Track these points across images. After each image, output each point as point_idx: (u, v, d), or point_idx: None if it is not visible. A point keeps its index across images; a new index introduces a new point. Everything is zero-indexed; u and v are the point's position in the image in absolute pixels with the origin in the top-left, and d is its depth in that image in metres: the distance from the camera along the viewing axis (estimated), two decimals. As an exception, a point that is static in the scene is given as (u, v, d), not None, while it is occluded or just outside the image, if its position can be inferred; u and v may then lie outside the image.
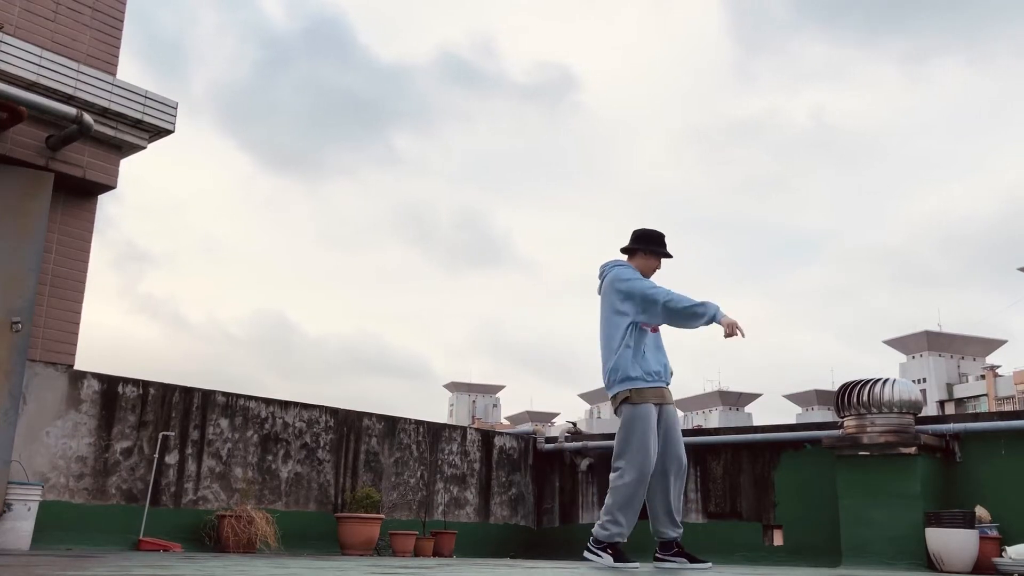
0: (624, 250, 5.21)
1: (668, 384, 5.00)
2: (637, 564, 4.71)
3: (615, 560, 4.70)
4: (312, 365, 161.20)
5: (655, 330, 5.04)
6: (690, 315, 4.79)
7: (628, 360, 4.87)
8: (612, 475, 4.83)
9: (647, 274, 5.11)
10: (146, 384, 6.83)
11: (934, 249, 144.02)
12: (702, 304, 4.78)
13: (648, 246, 5.14)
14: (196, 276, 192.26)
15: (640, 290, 4.91)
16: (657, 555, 4.92)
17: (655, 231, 5.17)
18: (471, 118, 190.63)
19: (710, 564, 4.87)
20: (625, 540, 4.80)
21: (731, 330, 4.69)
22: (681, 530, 4.92)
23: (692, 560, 4.83)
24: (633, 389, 4.84)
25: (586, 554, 4.82)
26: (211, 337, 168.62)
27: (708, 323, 4.78)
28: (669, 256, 5.17)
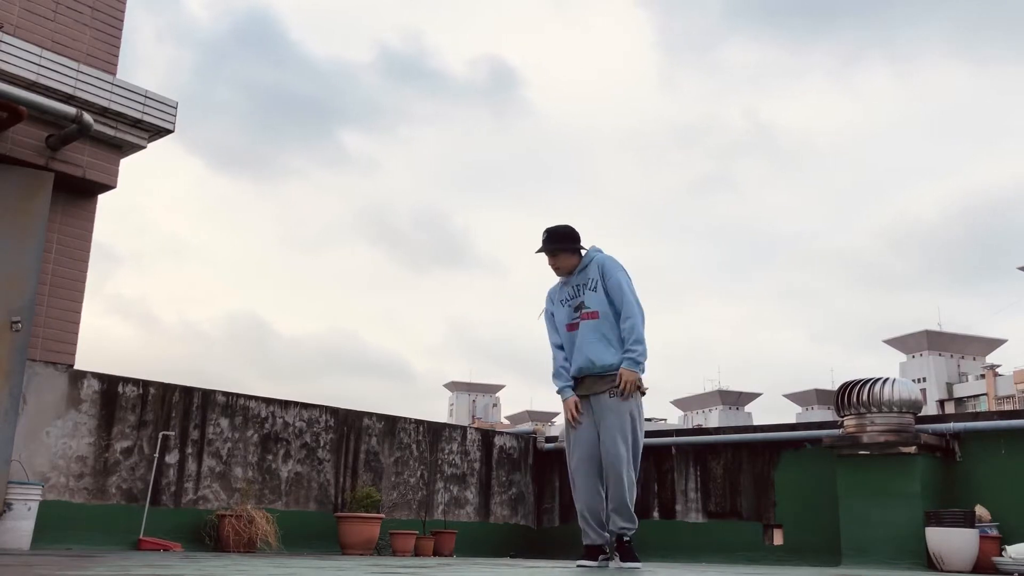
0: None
1: (591, 373, 4.83)
2: (591, 563, 4.74)
3: (580, 558, 4.81)
4: (290, 365, 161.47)
5: (571, 328, 4.94)
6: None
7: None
8: None
9: (566, 271, 5.06)
10: (146, 384, 6.83)
11: (931, 249, 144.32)
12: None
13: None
14: (163, 277, 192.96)
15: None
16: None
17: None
18: (418, 117, 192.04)
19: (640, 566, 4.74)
20: (587, 539, 4.82)
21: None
22: (608, 535, 4.81)
23: (625, 558, 4.72)
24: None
25: None
26: (186, 338, 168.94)
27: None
28: (549, 238, 4.99)
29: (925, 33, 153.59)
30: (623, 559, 4.69)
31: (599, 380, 4.82)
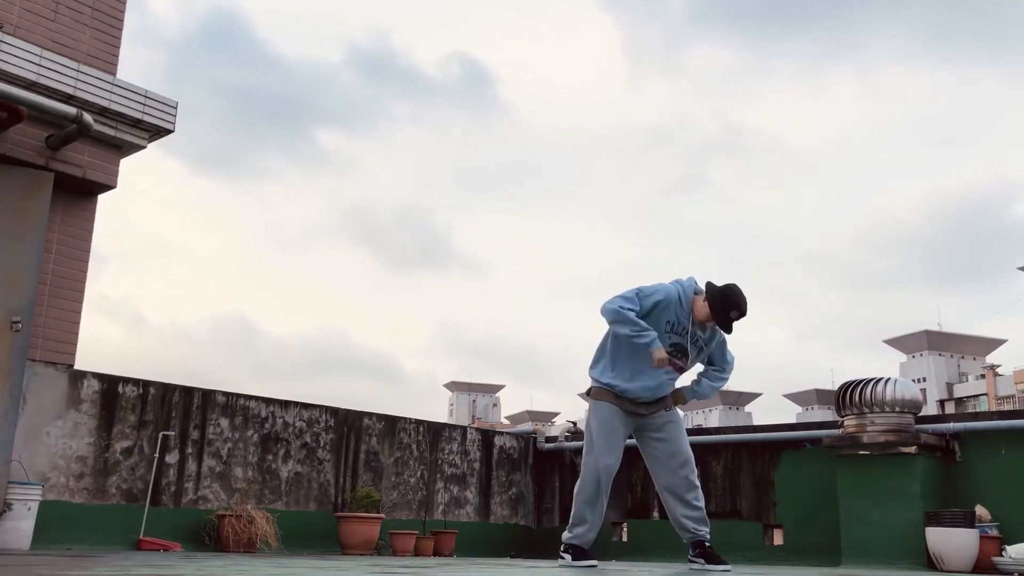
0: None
1: (657, 397, 4.81)
2: (595, 563, 4.75)
3: (572, 559, 4.79)
4: (278, 365, 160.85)
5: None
6: (632, 342, 4.65)
7: (600, 368, 4.85)
8: None
9: (701, 319, 4.75)
10: (146, 384, 6.83)
11: (928, 250, 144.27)
12: (642, 335, 4.58)
13: (715, 302, 4.71)
14: (148, 278, 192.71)
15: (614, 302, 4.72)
16: (689, 556, 4.89)
17: (725, 297, 4.70)
18: (393, 115, 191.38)
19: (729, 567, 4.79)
20: (587, 539, 4.82)
21: (659, 364, 4.61)
22: (703, 530, 4.83)
23: (711, 560, 4.75)
24: (594, 388, 4.89)
25: (560, 559, 4.90)
26: (173, 338, 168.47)
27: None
28: (729, 321, 4.70)
29: (894, 34, 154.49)
30: (714, 562, 4.72)
31: (654, 403, 4.88)
